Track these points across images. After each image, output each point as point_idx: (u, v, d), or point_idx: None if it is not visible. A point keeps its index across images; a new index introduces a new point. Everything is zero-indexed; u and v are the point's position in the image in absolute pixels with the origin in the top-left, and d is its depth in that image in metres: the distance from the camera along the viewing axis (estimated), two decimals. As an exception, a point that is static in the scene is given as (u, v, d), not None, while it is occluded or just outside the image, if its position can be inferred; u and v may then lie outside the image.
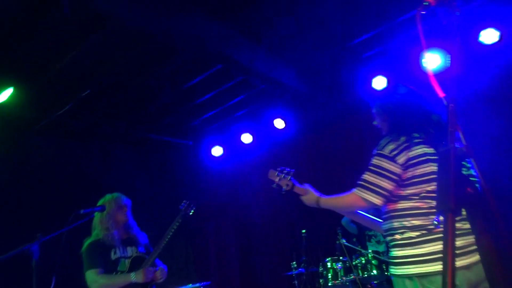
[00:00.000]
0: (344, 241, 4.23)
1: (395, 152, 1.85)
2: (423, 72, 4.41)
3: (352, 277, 4.03)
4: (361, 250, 4.19)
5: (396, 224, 1.87)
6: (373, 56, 4.79)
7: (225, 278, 6.51)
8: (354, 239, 4.43)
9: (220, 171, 6.66)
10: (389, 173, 1.84)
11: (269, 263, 6.08)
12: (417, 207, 1.81)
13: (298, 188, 2.40)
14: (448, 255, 0.68)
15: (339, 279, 4.13)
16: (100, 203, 2.97)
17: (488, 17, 4.07)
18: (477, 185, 0.76)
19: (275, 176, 2.51)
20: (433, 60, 4.30)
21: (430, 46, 4.25)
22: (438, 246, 1.71)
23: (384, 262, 4.02)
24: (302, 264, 4.57)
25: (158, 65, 4.28)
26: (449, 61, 0.94)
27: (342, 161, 5.46)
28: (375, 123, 2.20)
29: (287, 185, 2.43)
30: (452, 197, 0.70)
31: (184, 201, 3.25)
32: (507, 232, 0.78)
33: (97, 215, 2.90)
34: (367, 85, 4.84)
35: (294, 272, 4.60)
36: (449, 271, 0.67)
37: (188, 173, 6.65)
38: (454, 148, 0.75)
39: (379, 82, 4.78)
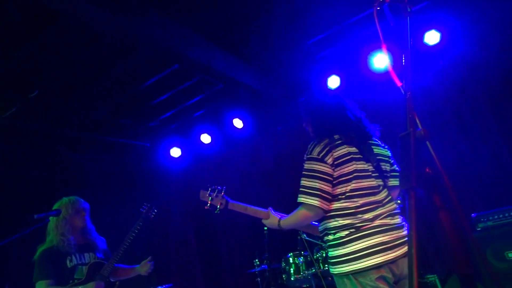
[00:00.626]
0: (305, 236, 4.33)
1: (322, 154, 1.92)
2: (373, 71, 4.66)
3: (314, 270, 4.14)
4: (322, 244, 4.31)
5: (328, 224, 1.94)
6: (327, 56, 4.96)
7: (187, 279, 6.43)
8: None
9: (180, 172, 6.58)
10: (321, 174, 1.89)
11: (231, 262, 6.08)
12: (345, 207, 1.88)
13: (233, 204, 2.43)
14: (412, 229, 0.74)
15: (301, 273, 4.23)
16: (56, 206, 2.82)
17: (431, 19, 4.37)
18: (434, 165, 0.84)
19: (206, 197, 2.49)
20: (382, 60, 4.55)
21: (380, 47, 4.50)
22: (366, 243, 1.80)
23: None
24: (265, 261, 4.62)
25: (113, 65, 4.15)
26: (404, 58, 1.02)
27: (299, 161, 5.58)
28: (304, 125, 2.27)
29: (221, 203, 2.45)
30: (413, 177, 0.76)
31: (145, 203, 3.19)
32: (461, 209, 0.85)
33: (52, 220, 2.74)
34: (322, 84, 5.01)
35: (257, 269, 4.63)
36: (414, 244, 0.73)
37: (146, 175, 6.50)
38: (413, 131, 0.82)
39: (334, 81, 4.96)
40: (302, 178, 1.96)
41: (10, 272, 2.21)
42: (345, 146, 1.94)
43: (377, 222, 1.85)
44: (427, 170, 0.80)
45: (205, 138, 5.88)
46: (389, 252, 1.79)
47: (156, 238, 6.74)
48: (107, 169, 5.83)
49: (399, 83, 0.94)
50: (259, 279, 4.67)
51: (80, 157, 5.26)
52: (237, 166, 6.14)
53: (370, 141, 2.09)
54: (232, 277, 6.03)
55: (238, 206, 2.43)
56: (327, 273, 4.23)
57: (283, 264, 4.44)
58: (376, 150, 2.06)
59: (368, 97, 4.84)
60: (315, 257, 4.22)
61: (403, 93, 0.91)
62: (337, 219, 1.90)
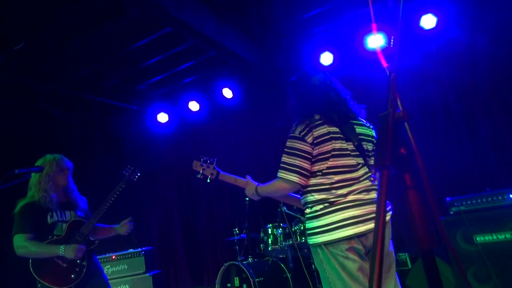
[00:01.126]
0: (285, 208, 4.44)
1: (303, 133, 2.02)
2: (366, 50, 4.64)
3: (291, 242, 4.27)
4: (301, 217, 4.42)
5: (306, 199, 2.06)
6: (322, 32, 4.90)
7: (167, 243, 6.56)
8: (295, 207, 4.64)
9: (165, 137, 6.57)
10: (302, 152, 2.00)
11: (212, 229, 6.21)
12: (320, 183, 2.00)
13: (223, 175, 2.57)
14: (381, 206, 0.77)
15: (279, 244, 4.36)
16: (39, 163, 2.79)
17: (428, 3, 4.33)
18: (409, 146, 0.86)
19: (199, 167, 2.65)
20: (376, 40, 4.52)
21: (376, 27, 4.45)
22: (338, 217, 1.92)
23: (321, 228, 4.30)
24: (244, 230, 4.73)
25: (104, 22, 4.01)
26: (392, 39, 1.02)
27: (283, 135, 5.64)
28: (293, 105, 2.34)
29: (212, 173, 2.60)
30: (388, 156, 0.79)
31: (128, 166, 3.17)
32: (430, 190, 0.89)
33: (35, 175, 2.72)
34: (314, 59, 4.98)
35: (236, 237, 4.75)
36: (380, 220, 0.76)
37: (132, 138, 6.48)
38: (393, 112, 0.84)
39: (326, 58, 4.94)
40: (283, 155, 2.06)
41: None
42: (326, 126, 2.03)
43: (350, 198, 1.96)
44: (402, 150, 0.83)
45: (193, 106, 5.85)
46: (360, 225, 1.91)
47: (140, 201, 6.80)
48: (92, 129, 5.76)
49: (385, 64, 0.95)
50: (237, 247, 4.79)
51: (64, 115, 5.17)
52: (223, 135, 6.15)
53: (354, 121, 2.15)
54: (212, 244, 6.17)
55: (228, 177, 2.55)
56: (303, 245, 4.38)
57: (262, 235, 4.56)
58: (359, 129, 2.12)
59: (359, 76, 4.85)
60: (293, 229, 4.34)
61: (388, 74, 0.92)
62: (313, 194, 2.02)
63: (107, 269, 4.92)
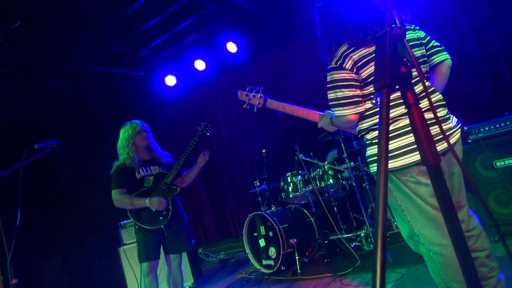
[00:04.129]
0: (301, 156, 4.47)
1: (340, 61, 1.80)
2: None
3: (311, 187, 4.33)
4: (318, 162, 4.46)
5: (362, 125, 1.89)
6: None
7: (192, 203, 6.77)
8: (311, 153, 4.67)
9: (176, 100, 6.58)
10: (343, 81, 1.79)
11: (232, 184, 6.34)
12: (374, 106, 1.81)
13: (271, 102, 2.41)
14: (383, 125, 0.76)
15: (299, 191, 4.43)
16: (121, 130, 3.29)
17: None
18: (409, 64, 0.84)
19: (244, 97, 2.53)
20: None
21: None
22: (401, 142, 1.72)
23: (340, 171, 4.34)
24: (264, 182, 4.82)
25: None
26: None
27: (295, 83, 5.55)
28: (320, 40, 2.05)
29: (259, 102, 2.47)
30: (387, 74, 0.77)
31: (202, 123, 3.62)
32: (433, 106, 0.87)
33: (121, 142, 3.23)
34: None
35: (257, 189, 4.85)
36: (384, 141, 0.76)
37: (142, 104, 6.50)
38: (390, 30, 0.80)
39: None
40: (328, 92, 1.87)
41: (19, 199, 2.34)
42: (365, 47, 1.78)
43: (408, 120, 1.64)
44: (402, 69, 0.81)
45: (200, 65, 5.77)
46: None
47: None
48: (101, 100, 5.78)
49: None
50: (259, 199, 4.90)
51: (72, 89, 5.18)
52: (234, 89, 6.11)
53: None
54: (234, 198, 6.33)
55: (275, 104, 2.41)
56: (323, 190, 4.44)
57: (282, 184, 4.64)
58: (408, 36, 1.91)
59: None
60: (312, 175, 4.39)
61: (384, -9, 0.88)
62: (369, 119, 1.85)
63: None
